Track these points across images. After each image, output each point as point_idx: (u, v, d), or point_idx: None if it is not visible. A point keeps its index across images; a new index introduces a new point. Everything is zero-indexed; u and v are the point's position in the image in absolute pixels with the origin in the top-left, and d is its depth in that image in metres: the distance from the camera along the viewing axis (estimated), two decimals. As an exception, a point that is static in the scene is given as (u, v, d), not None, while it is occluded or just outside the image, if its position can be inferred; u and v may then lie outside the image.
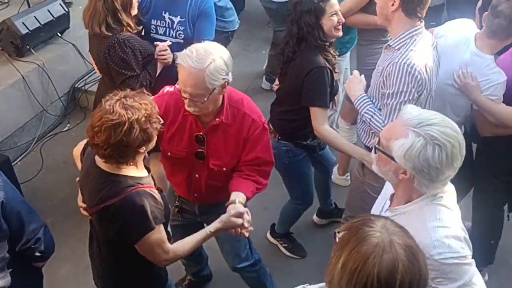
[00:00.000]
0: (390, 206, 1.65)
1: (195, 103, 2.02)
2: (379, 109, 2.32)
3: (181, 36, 3.06)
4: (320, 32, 2.55)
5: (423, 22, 2.23)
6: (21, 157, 4.08)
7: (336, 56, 2.71)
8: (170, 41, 3.02)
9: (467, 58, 2.53)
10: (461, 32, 2.62)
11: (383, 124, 2.24)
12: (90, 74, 4.53)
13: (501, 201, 2.95)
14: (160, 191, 1.97)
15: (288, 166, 2.86)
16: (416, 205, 1.54)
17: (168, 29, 3.06)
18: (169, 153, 2.26)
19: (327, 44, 2.60)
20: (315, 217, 3.52)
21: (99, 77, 4.40)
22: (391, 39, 2.28)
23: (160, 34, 3.08)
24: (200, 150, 2.21)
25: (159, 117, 1.85)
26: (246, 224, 2.06)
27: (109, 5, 2.73)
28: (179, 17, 3.02)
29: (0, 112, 3.87)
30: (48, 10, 4.25)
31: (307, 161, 2.93)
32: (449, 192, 1.59)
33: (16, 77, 3.99)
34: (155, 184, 1.98)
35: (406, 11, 2.16)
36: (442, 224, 1.50)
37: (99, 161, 1.85)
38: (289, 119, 2.76)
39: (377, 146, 1.56)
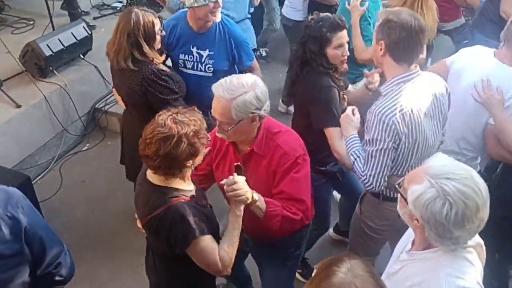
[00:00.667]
0: (410, 249, 1.61)
1: (222, 129, 2.09)
2: None
3: (210, 70, 3.08)
4: (323, 60, 2.57)
5: (417, 67, 2.16)
6: (41, 175, 4.14)
7: (347, 84, 2.71)
8: (199, 75, 3.06)
9: (489, 69, 2.48)
10: (477, 53, 2.62)
11: (362, 169, 2.19)
12: (110, 95, 4.61)
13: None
14: (207, 205, 2.07)
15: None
16: (433, 254, 1.48)
17: (196, 63, 3.08)
18: (217, 182, 2.30)
19: (331, 69, 2.61)
20: (331, 232, 3.51)
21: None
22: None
23: (188, 68, 3.10)
24: None
25: (206, 133, 1.96)
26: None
27: (133, 39, 2.74)
28: (207, 50, 3.04)
29: (23, 132, 3.96)
30: (72, 33, 4.36)
31: (327, 187, 2.90)
32: (474, 245, 1.50)
33: (39, 97, 4.08)
34: (204, 199, 2.10)
35: (393, 57, 2.11)
36: (458, 275, 1.42)
37: (149, 175, 1.98)
38: None
39: (397, 185, 1.55)
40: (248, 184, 2.06)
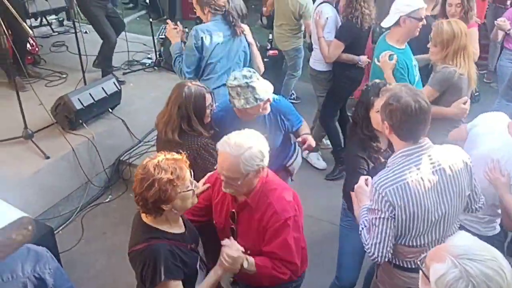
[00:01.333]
0: None
1: (230, 185, 2.20)
2: None
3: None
4: (367, 124, 2.63)
5: (425, 140, 2.14)
6: (63, 226, 4.19)
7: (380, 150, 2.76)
8: None
9: (498, 146, 2.52)
10: (495, 121, 2.65)
11: (366, 238, 2.20)
12: (135, 148, 4.72)
13: None
14: (193, 249, 2.20)
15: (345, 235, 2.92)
16: None
17: None
18: (214, 221, 2.43)
19: (371, 137, 2.65)
20: None
21: (144, 152, 4.65)
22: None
23: None
24: (232, 226, 2.36)
25: (189, 184, 2.08)
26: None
27: (183, 112, 2.78)
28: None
29: (49, 182, 4.05)
30: (103, 88, 4.55)
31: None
32: None
33: (67, 149, 4.21)
34: (193, 241, 2.21)
35: (397, 136, 2.14)
36: None
37: (142, 212, 2.13)
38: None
39: (419, 262, 1.53)
40: (241, 233, 2.25)
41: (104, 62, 5.31)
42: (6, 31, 3.99)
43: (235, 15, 3.59)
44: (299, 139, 3.13)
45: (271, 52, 5.89)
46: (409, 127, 2.07)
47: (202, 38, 3.48)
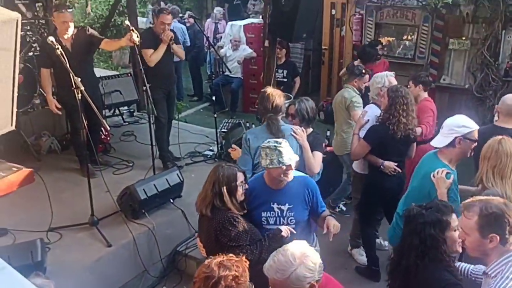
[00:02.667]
0: None
1: None
2: None
3: (292, 222, 3.23)
4: (445, 246, 2.51)
5: None
6: (117, 314, 4.21)
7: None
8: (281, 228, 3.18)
9: None
10: None
11: None
12: (192, 239, 4.78)
13: None
14: None
15: None
16: None
17: (278, 218, 3.23)
18: None
19: (452, 258, 2.56)
20: None
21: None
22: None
23: (271, 224, 3.25)
24: None
25: (248, 282, 2.12)
26: None
27: (216, 189, 3.07)
28: (287, 204, 3.21)
29: (108, 271, 4.14)
30: (166, 179, 4.74)
31: None
32: None
33: (128, 238, 4.33)
34: None
35: (502, 243, 2.16)
36: None
37: None
38: None
39: None
40: None
41: (162, 149, 5.62)
42: (85, 125, 4.34)
43: (275, 125, 3.75)
44: (324, 224, 3.13)
45: (328, 148, 5.97)
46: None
47: (249, 139, 3.80)
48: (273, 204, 3.23)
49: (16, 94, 2.83)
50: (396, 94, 4.09)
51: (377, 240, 4.89)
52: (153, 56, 5.26)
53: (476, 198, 2.31)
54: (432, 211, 2.56)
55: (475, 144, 3.33)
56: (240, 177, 3.14)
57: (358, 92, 5.19)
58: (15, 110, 2.91)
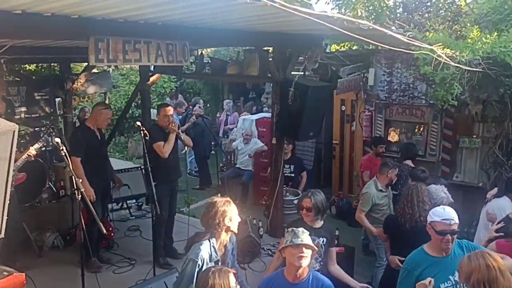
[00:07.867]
0: None
1: None
2: None
3: None
4: None
5: None
6: None
7: None
8: None
9: None
10: None
11: None
12: None
13: None
14: None
15: None
16: None
17: None
18: None
19: None
20: None
21: None
22: None
23: None
24: None
25: None
26: None
27: None
28: None
29: None
30: (165, 282, 4.53)
31: None
32: None
33: None
34: None
35: None
36: None
37: None
38: None
39: None
40: None
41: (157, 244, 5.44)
42: (83, 225, 4.27)
43: None
44: None
45: (337, 248, 5.73)
46: None
47: None
48: None
49: (7, 202, 2.85)
50: None
51: None
52: (166, 147, 5.41)
53: None
54: None
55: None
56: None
57: None
58: (5, 218, 2.92)
